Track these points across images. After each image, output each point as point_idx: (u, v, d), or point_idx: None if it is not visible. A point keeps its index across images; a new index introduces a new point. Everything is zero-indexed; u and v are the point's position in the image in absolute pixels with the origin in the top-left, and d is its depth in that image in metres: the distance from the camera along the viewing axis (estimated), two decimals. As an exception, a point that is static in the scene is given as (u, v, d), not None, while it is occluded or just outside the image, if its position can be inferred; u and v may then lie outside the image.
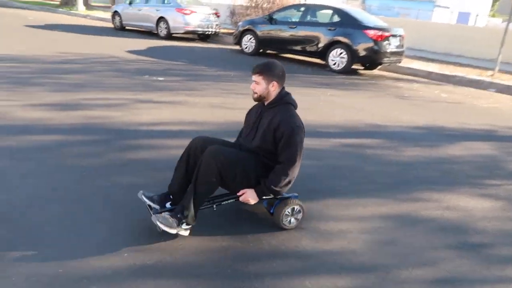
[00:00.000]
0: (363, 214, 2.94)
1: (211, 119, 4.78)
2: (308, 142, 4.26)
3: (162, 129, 4.31)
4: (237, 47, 11.17)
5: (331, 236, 2.63)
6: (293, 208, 2.56)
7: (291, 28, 9.78)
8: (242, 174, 2.36)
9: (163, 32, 12.56)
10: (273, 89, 2.42)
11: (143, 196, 2.48)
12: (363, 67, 9.92)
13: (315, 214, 2.85)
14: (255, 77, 2.41)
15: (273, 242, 2.49)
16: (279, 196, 2.53)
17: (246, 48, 10.72)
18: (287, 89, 2.54)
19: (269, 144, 2.39)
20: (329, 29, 9.11)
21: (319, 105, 5.99)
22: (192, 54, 9.99)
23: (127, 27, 14.05)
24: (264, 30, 10.28)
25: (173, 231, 2.26)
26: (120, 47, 9.72)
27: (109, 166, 3.33)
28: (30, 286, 1.94)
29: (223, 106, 5.42)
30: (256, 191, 2.38)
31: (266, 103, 2.49)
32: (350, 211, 2.97)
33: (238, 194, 2.40)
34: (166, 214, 2.29)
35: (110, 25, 14.80)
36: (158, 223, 2.25)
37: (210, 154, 2.28)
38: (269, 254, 2.36)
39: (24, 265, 2.09)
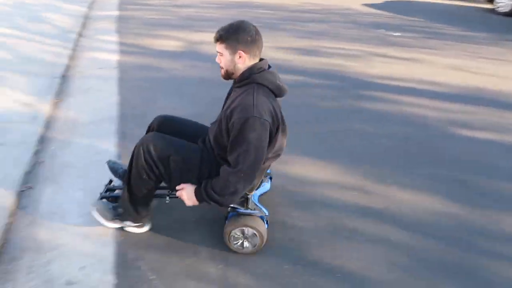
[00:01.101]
0: None
1: (449, 81, 4.35)
2: None
3: (395, 84, 4.20)
4: (487, 6, 9.56)
5: None
6: (244, 230, 1.85)
7: None
8: (181, 173, 1.80)
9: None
10: (241, 62, 1.68)
11: (106, 164, 2.24)
12: None
13: None
14: (218, 46, 1.71)
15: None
16: (234, 207, 1.89)
17: (500, 7, 9.06)
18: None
19: (224, 138, 1.72)
20: None
21: None
22: (432, 11, 9.11)
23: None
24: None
25: (107, 225, 1.96)
26: (356, 0, 9.71)
27: (343, 111, 3.50)
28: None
29: (465, 69, 4.83)
30: (195, 191, 1.77)
31: (232, 76, 1.79)
32: None
33: (177, 187, 1.84)
34: (109, 204, 1.99)
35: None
36: (93, 212, 1.97)
37: (140, 145, 1.78)
38: (509, 237, 2.10)
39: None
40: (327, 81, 4.21)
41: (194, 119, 2.14)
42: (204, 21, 6.69)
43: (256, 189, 1.98)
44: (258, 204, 1.99)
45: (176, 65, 4.55)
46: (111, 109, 3.32)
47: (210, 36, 1.87)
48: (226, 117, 1.67)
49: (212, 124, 1.94)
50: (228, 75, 1.75)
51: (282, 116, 1.75)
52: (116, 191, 2.13)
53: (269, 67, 1.76)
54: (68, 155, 2.64)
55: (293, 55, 5.03)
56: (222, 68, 1.75)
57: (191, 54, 4.96)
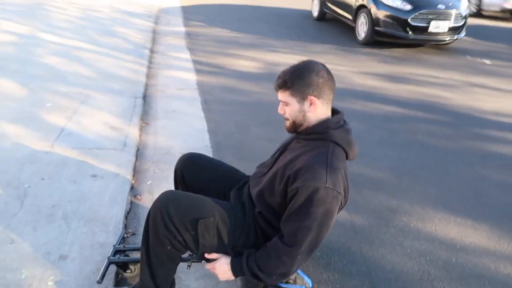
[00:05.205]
0: None
1: None
2: None
3: (510, 122, 3.68)
4: None
5: None
6: None
7: None
8: (212, 239, 1.41)
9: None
10: (312, 110, 1.33)
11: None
12: None
13: None
14: (280, 95, 1.36)
15: None
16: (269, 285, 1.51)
17: None
18: None
19: (276, 197, 1.37)
20: None
21: None
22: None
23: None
24: None
25: None
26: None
27: (465, 154, 3.02)
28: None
29: None
30: (232, 264, 1.41)
31: (300, 128, 1.40)
32: None
33: (207, 256, 1.45)
34: None
35: None
36: None
37: (158, 208, 1.37)
38: None
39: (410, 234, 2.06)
40: (430, 115, 3.73)
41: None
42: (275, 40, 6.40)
43: None
44: (300, 273, 1.69)
45: (257, 88, 4.22)
46: (203, 138, 3.00)
47: (285, 57, 1.49)
48: (286, 176, 1.30)
49: (257, 174, 1.53)
50: (295, 128, 1.39)
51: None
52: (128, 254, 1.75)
53: (345, 122, 1.40)
54: (167, 193, 2.32)
55: (382, 82, 4.59)
56: (287, 119, 1.39)
57: (270, 77, 4.61)
